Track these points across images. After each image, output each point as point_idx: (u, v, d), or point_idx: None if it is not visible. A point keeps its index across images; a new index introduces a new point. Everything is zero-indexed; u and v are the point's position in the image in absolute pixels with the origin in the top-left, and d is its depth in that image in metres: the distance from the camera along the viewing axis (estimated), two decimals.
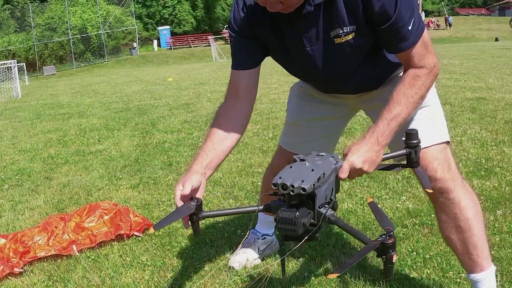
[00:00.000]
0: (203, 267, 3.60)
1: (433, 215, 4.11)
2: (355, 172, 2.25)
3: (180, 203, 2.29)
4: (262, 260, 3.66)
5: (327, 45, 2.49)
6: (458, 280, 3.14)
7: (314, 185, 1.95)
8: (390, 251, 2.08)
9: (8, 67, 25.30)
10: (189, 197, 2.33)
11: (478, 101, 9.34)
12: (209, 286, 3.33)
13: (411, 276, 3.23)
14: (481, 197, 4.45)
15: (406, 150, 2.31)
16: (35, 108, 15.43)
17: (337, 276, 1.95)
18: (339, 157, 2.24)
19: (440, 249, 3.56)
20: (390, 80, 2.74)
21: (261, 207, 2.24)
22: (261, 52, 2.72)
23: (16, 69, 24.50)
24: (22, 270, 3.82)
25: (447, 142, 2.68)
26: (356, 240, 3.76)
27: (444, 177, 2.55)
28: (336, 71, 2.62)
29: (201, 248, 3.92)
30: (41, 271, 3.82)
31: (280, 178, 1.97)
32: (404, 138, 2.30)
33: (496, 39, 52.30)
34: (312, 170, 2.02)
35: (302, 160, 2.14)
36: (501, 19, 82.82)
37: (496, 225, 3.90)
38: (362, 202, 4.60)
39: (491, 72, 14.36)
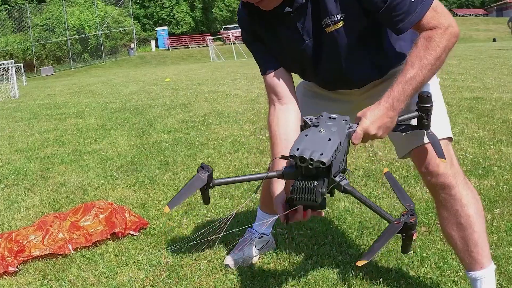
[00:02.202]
0: (199, 266, 3.58)
1: (430, 214, 4.11)
2: (368, 138, 2.24)
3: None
4: (259, 259, 3.64)
5: (321, 36, 2.49)
6: (456, 279, 3.12)
7: (332, 157, 1.94)
8: (411, 229, 2.07)
9: (5, 67, 25.29)
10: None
11: (476, 101, 9.32)
12: (205, 285, 3.32)
13: (409, 275, 3.21)
14: (479, 196, 4.44)
15: (418, 113, 2.30)
16: (32, 108, 15.40)
17: (365, 264, 1.91)
18: (350, 120, 2.22)
19: (437, 248, 3.54)
20: (393, 75, 2.70)
21: (272, 173, 2.19)
22: None
23: (13, 69, 24.47)
24: (16, 269, 3.80)
25: (450, 138, 2.67)
26: (354, 239, 3.76)
27: (446, 173, 2.53)
28: (332, 61, 2.60)
29: (197, 247, 3.89)
30: (36, 270, 3.80)
31: (297, 149, 1.95)
32: (416, 102, 2.29)
33: (494, 40, 52.32)
34: (329, 139, 2.00)
35: (315, 126, 2.11)
36: (499, 20, 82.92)
37: (494, 223, 3.88)
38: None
39: (488, 72, 14.34)
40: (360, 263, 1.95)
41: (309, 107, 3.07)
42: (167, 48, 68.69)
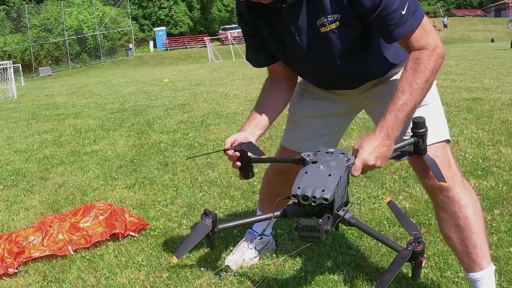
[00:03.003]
0: (200, 267, 3.57)
1: (430, 215, 4.11)
2: (368, 169, 2.26)
3: (228, 150, 2.64)
4: (259, 260, 3.64)
5: (314, 35, 2.51)
6: (456, 279, 3.13)
7: (334, 192, 1.96)
8: (420, 257, 2.08)
9: (3, 68, 25.27)
10: (234, 144, 2.63)
11: (475, 102, 9.35)
12: (205, 286, 3.31)
13: (409, 275, 3.20)
14: (478, 197, 4.42)
15: (414, 139, 2.31)
16: (31, 108, 15.40)
17: None
18: (348, 152, 2.23)
19: (438, 249, 3.54)
20: (391, 77, 2.71)
21: (277, 213, 2.25)
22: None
23: (11, 70, 24.45)
24: (16, 270, 3.79)
25: (447, 141, 2.67)
26: (354, 240, 3.77)
27: (444, 175, 2.53)
28: (326, 60, 2.61)
29: (198, 248, 3.87)
30: (35, 272, 3.79)
31: (299, 188, 1.99)
32: (411, 127, 2.31)
33: (492, 40, 52.37)
34: (329, 175, 2.03)
35: (314, 162, 2.13)
36: (497, 20, 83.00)
37: (494, 224, 3.89)
38: (359, 202, 4.58)
39: (487, 72, 14.38)
40: None
41: (304, 106, 3.11)
42: (165, 48, 68.62)
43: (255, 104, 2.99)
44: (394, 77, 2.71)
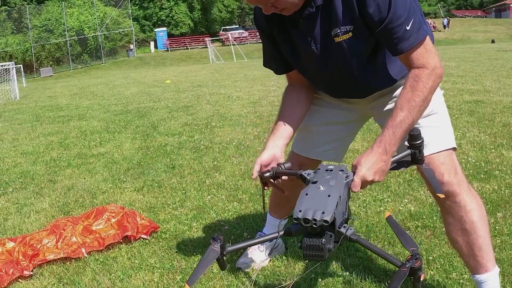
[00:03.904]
0: (212, 269, 3.65)
1: (434, 218, 4.20)
2: (367, 184, 2.35)
3: (254, 177, 2.73)
4: (269, 262, 3.73)
5: (329, 44, 2.61)
6: (461, 281, 3.22)
7: (334, 213, 2.06)
8: (418, 272, 2.19)
9: (5, 68, 25.34)
10: (264, 169, 2.74)
11: (476, 104, 9.42)
12: (218, 287, 3.40)
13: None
14: (481, 200, 4.52)
15: (411, 151, 2.39)
16: (34, 110, 15.48)
17: None
18: (347, 168, 2.33)
19: (443, 251, 3.64)
20: (398, 88, 2.81)
21: (281, 233, 2.35)
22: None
23: (14, 71, 24.53)
24: (32, 273, 3.87)
25: (454, 148, 2.77)
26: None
27: (450, 181, 2.64)
28: (339, 69, 2.71)
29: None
30: (50, 274, 3.88)
31: (300, 211, 2.08)
32: (407, 140, 2.39)
33: (493, 41, 52.40)
34: (329, 195, 2.12)
35: (314, 182, 2.23)
36: (497, 21, 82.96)
37: (497, 227, 3.98)
38: (365, 205, 4.67)
39: (488, 74, 14.44)
40: None
41: (315, 114, 3.21)
42: (166, 49, 68.67)
43: (278, 114, 3.04)
44: (397, 87, 2.81)
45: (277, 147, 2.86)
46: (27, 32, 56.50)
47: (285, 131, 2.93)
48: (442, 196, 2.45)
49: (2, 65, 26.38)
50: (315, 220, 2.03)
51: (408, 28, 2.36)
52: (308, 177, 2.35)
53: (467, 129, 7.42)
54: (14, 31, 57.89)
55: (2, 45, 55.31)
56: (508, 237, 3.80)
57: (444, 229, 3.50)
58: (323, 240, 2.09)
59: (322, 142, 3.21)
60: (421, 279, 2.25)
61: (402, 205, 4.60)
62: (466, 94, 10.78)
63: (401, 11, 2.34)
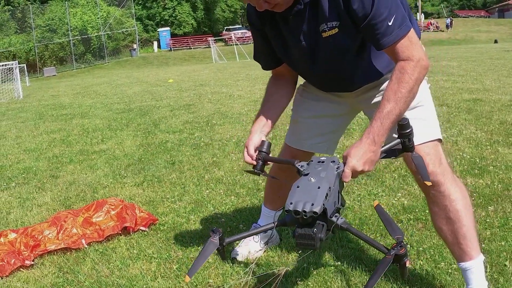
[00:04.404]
0: (208, 259, 3.74)
1: (426, 211, 4.28)
2: (357, 174, 2.45)
3: (249, 160, 2.94)
4: (264, 252, 3.82)
5: (317, 39, 2.73)
6: (450, 270, 3.31)
7: (323, 204, 2.15)
8: (404, 258, 2.32)
9: (8, 68, 25.45)
10: (254, 155, 2.94)
11: (475, 103, 9.50)
12: (213, 276, 3.49)
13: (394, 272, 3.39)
14: (474, 194, 4.62)
15: (401, 140, 2.49)
16: (37, 109, 15.60)
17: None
18: (339, 159, 2.43)
19: (433, 243, 3.73)
20: (385, 81, 2.90)
21: (277, 223, 2.47)
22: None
23: (17, 70, 24.65)
24: (33, 262, 3.97)
25: (439, 140, 2.87)
26: (353, 235, 3.95)
27: (435, 171, 2.74)
28: (327, 64, 2.84)
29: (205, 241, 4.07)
30: (51, 264, 3.98)
31: (291, 203, 2.18)
32: (397, 129, 2.49)
33: (495, 41, 52.43)
34: (319, 187, 2.22)
35: (306, 174, 2.33)
36: (500, 21, 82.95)
37: (488, 220, 4.07)
38: (359, 199, 4.76)
39: (488, 73, 14.51)
40: None
41: (306, 107, 3.34)
42: (169, 49, 68.69)
43: (262, 103, 3.22)
44: (384, 80, 2.91)
45: (263, 133, 3.04)
46: (31, 31, 56.57)
47: (268, 119, 3.11)
48: (429, 183, 2.52)
49: (5, 65, 26.52)
50: (305, 211, 2.14)
51: (390, 23, 2.46)
52: (301, 169, 2.45)
53: (464, 126, 7.50)
54: (18, 30, 57.99)
55: (5, 44, 55.40)
56: (498, 230, 3.89)
57: None
58: (315, 229, 2.18)
59: (313, 135, 3.32)
60: (407, 266, 2.35)
61: (395, 199, 4.69)
62: (465, 92, 10.86)
63: (383, 8, 2.44)
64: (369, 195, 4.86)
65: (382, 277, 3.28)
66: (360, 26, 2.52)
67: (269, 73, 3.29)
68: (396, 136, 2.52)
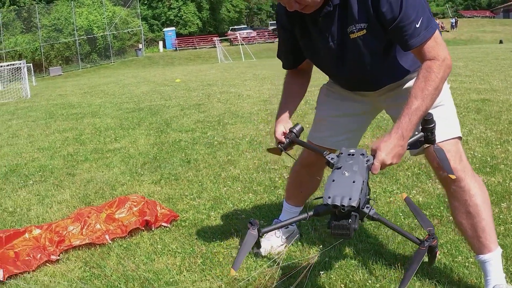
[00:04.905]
0: (231, 253, 3.88)
1: (441, 208, 4.41)
2: (385, 167, 2.58)
3: (279, 136, 3.19)
4: (285, 247, 3.94)
5: (345, 40, 2.87)
6: (466, 264, 3.42)
7: (360, 198, 2.29)
8: (435, 249, 2.50)
9: (15, 67, 25.62)
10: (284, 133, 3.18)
11: (483, 103, 9.58)
12: (238, 270, 3.59)
13: (424, 260, 3.49)
14: (486, 188, 4.72)
15: (424, 134, 2.64)
16: (46, 108, 15.72)
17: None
18: (367, 151, 2.55)
19: (449, 238, 3.84)
20: (407, 81, 3.04)
21: (310, 213, 2.56)
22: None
23: (25, 69, 24.82)
24: (58, 257, 4.08)
25: (459, 138, 3.01)
26: (372, 230, 4.07)
27: (456, 167, 2.86)
28: (354, 64, 2.97)
29: (227, 237, 4.20)
30: (77, 259, 4.09)
31: (329, 197, 2.31)
32: (421, 123, 2.63)
33: (501, 41, 52.41)
34: (354, 181, 2.35)
35: (338, 168, 2.45)
36: (506, 21, 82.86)
37: (501, 216, 4.17)
38: (375, 196, 4.86)
39: (495, 74, 14.57)
40: None
41: (330, 106, 3.50)
42: (174, 49, 68.77)
43: (282, 96, 3.44)
44: (410, 82, 3.03)
45: (286, 120, 3.25)
46: (37, 31, 56.73)
47: (290, 111, 3.34)
48: (453, 177, 2.65)
49: (12, 64, 26.68)
50: (343, 205, 2.26)
51: (417, 25, 2.59)
52: (332, 161, 2.57)
53: (474, 126, 7.59)
54: (24, 30, 58.13)
55: (11, 44, 55.56)
56: (511, 225, 3.99)
57: (450, 217, 3.74)
58: (350, 220, 2.30)
59: (336, 133, 3.45)
60: (437, 255, 2.50)
61: (410, 196, 4.79)
62: (473, 93, 10.93)
63: (411, 10, 2.57)
64: (384, 192, 4.96)
65: (404, 265, 3.41)
66: (388, 28, 2.65)
67: (276, 73, 3.51)
68: (420, 129, 2.65)
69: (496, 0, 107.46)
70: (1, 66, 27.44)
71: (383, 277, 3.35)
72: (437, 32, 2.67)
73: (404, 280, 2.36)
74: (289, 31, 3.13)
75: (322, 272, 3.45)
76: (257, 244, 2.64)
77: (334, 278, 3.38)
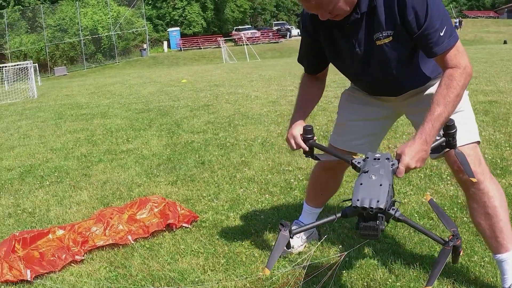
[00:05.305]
0: (253, 253, 4.00)
1: (455, 209, 4.52)
2: (409, 170, 2.71)
3: (299, 145, 3.25)
4: (305, 247, 4.05)
5: (371, 46, 2.99)
6: (482, 263, 3.55)
7: (387, 200, 2.43)
8: (458, 249, 2.66)
9: (20, 67, 25.76)
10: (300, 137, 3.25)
11: (491, 104, 9.67)
12: (261, 269, 3.72)
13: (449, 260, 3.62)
14: (503, 190, 4.81)
15: (446, 138, 2.78)
16: (55, 108, 15.85)
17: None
18: (391, 156, 2.68)
19: (465, 238, 3.95)
20: (428, 88, 3.16)
21: (339, 215, 2.69)
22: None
23: (32, 69, 24.95)
24: (83, 257, 4.20)
25: (478, 142, 3.13)
26: (389, 230, 4.18)
27: (475, 171, 2.98)
28: (379, 69, 3.10)
29: (248, 237, 4.33)
30: (101, 259, 4.21)
31: (357, 200, 2.45)
32: (443, 129, 2.77)
33: (505, 42, 52.40)
34: (380, 185, 2.49)
35: (365, 172, 2.58)
36: (510, 22, 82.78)
37: None
38: None
39: (501, 75, 14.62)
40: None
41: (351, 111, 3.64)
42: (179, 49, 68.86)
43: (301, 95, 3.57)
44: (431, 88, 3.16)
45: (301, 125, 3.32)
46: (41, 31, 56.89)
47: (306, 113, 3.50)
48: (474, 180, 2.82)
49: (19, 64, 26.81)
50: (371, 208, 2.40)
51: (442, 34, 2.72)
52: (359, 165, 2.70)
53: (482, 128, 7.67)
54: (28, 30, 58.28)
55: (16, 44, 55.73)
56: None
57: (465, 218, 3.85)
58: (377, 222, 2.44)
59: (357, 136, 3.57)
60: (461, 254, 2.65)
61: (424, 197, 4.91)
62: (480, 94, 11.00)
63: (436, 19, 2.70)
64: (398, 194, 5.06)
65: (422, 264, 3.53)
66: (414, 35, 2.78)
67: (282, 74, 3.59)
68: (441, 134, 2.79)
69: (500, 1, 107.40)
70: (7, 66, 27.62)
71: (403, 276, 3.47)
72: (459, 41, 2.79)
73: (431, 278, 2.50)
74: (313, 38, 3.25)
75: (344, 271, 3.57)
76: (288, 245, 2.76)
77: (355, 277, 3.51)
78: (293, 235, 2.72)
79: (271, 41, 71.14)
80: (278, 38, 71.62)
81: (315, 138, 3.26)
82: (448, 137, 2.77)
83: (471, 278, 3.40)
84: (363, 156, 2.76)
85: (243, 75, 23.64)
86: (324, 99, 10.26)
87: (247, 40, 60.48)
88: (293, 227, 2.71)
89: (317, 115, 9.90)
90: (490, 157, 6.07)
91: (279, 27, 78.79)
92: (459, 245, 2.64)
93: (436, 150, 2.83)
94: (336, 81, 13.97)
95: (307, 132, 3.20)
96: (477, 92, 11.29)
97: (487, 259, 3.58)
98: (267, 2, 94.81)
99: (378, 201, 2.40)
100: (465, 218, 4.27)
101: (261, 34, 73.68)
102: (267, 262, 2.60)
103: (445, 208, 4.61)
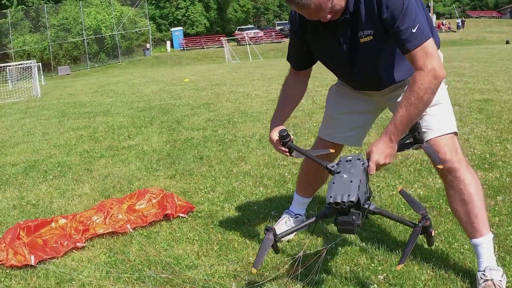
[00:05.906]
0: (245, 241, 4.21)
1: (441, 200, 4.71)
2: (380, 167, 2.97)
3: (278, 147, 3.50)
4: (294, 236, 4.24)
5: (356, 44, 3.22)
6: (462, 250, 3.74)
7: (357, 194, 2.65)
8: (429, 229, 2.84)
9: (23, 67, 25.94)
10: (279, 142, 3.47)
11: (486, 103, 9.84)
12: (252, 255, 3.92)
13: (423, 247, 3.80)
14: (484, 186, 4.99)
15: (411, 134, 3.04)
16: (58, 107, 16.03)
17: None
18: (363, 156, 2.95)
19: (447, 227, 4.16)
20: (407, 83, 3.35)
21: (319, 216, 2.95)
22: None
23: (36, 69, 25.06)
24: (84, 244, 4.40)
25: (455, 133, 3.33)
26: (375, 220, 4.36)
27: (452, 159, 3.21)
28: (362, 66, 3.33)
29: (240, 226, 4.54)
30: (101, 246, 4.41)
31: (330, 197, 2.69)
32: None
33: (507, 42, 52.43)
34: (351, 181, 2.73)
35: (338, 172, 2.83)
36: None
37: (496, 208, 4.49)
38: (379, 190, 5.18)
39: (499, 74, 14.72)
40: (399, 267, 2.75)
41: (338, 105, 3.88)
42: (182, 48, 68.96)
43: (282, 95, 3.80)
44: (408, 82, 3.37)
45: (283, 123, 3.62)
46: (45, 31, 57.02)
47: (288, 111, 3.77)
48: (441, 166, 3.08)
49: (22, 64, 27.00)
50: (343, 202, 2.63)
51: (414, 30, 2.91)
52: (333, 169, 2.95)
53: (475, 125, 7.86)
54: (32, 30, 58.42)
55: (20, 43, 55.88)
56: (505, 217, 4.31)
57: (448, 208, 4.04)
58: (353, 217, 2.68)
59: (345, 129, 3.80)
60: (433, 234, 2.85)
61: (412, 189, 5.11)
62: (476, 93, 11.14)
63: (409, 16, 2.90)
64: (387, 186, 5.27)
65: (409, 255, 3.72)
66: (390, 32, 2.98)
67: (283, 73, 3.79)
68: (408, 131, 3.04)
69: (504, 1, 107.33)
70: (11, 66, 27.81)
71: (385, 261, 3.67)
72: (429, 42, 2.95)
73: (402, 257, 2.71)
74: (301, 37, 3.47)
75: (329, 257, 3.77)
76: (275, 249, 2.99)
77: (340, 262, 3.71)
78: (279, 239, 2.97)
79: (273, 41, 71.24)
80: (281, 37, 71.66)
81: (292, 138, 3.47)
82: (413, 133, 3.01)
83: (451, 263, 3.59)
84: (337, 161, 3.01)
85: (245, 74, 23.76)
86: (323, 97, 10.39)
87: (250, 40, 60.57)
88: (280, 223, 2.91)
89: (315, 113, 10.10)
90: (479, 153, 6.25)
91: (282, 26, 78.72)
92: (428, 225, 2.81)
93: (406, 146, 3.09)
94: (335, 80, 14.06)
95: (283, 137, 3.41)
96: (474, 91, 11.43)
97: (466, 246, 3.77)
98: (270, 2, 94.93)
99: (349, 195, 2.63)
100: (449, 209, 4.44)
101: (264, 34, 73.78)
102: (254, 262, 2.85)
103: (432, 199, 4.80)
